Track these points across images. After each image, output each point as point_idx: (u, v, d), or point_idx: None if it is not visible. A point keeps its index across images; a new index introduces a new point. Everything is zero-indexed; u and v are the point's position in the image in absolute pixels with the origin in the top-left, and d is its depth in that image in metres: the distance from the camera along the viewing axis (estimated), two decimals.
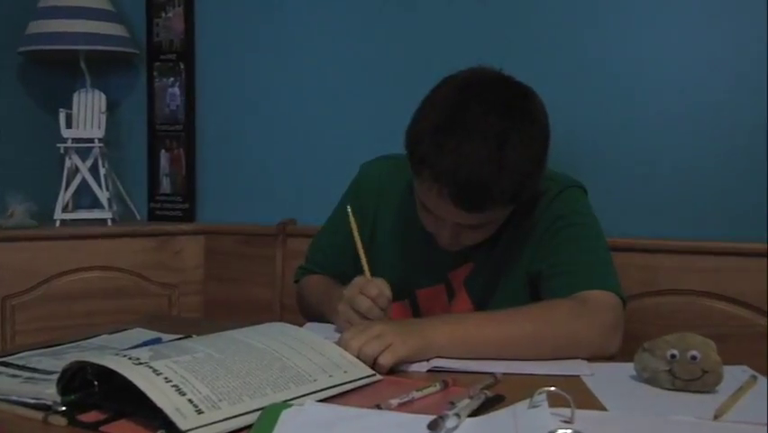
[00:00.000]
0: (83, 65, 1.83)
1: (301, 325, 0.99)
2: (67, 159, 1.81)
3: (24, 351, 0.86)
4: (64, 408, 0.65)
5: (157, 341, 0.91)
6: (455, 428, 0.61)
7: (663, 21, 1.44)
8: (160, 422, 0.60)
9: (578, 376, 0.81)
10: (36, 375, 0.75)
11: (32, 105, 1.91)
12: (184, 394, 0.62)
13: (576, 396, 0.64)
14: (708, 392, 0.75)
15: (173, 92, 1.89)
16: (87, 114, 1.84)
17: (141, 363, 0.65)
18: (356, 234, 1.00)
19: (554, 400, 0.63)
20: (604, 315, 0.93)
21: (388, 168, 1.18)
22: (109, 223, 1.81)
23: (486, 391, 0.71)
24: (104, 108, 1.84)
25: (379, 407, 0.67)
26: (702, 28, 1.41)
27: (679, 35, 1.43)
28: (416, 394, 0.71)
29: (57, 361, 0.78)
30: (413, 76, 1.42)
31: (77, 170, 1.83)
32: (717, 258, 1.32)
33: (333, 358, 0.78)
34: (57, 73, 1.95)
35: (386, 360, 0.80)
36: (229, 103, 1.86)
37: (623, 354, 0.90)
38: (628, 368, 0.81)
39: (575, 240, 1.02)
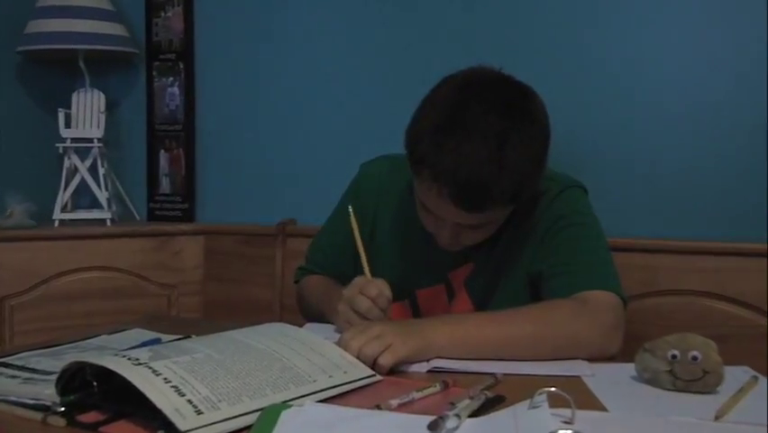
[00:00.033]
0: (82, 64, 1.82)
1: (301, 325, 0.99)
2: (66, 159, 1.81)
3: (23, 351, 0.86)
4: (63, 408, 0.65)
5: (156, 341, 0.91)
6: (455, 428, 0.61)
7: (664, 21, 1.44)
8: (159, 423, 0.60)
9: (578, 377, 0.81)
10: (35, 376, 0.75)
11: (30, 105, 1.91)
12: (183, 395, 0.62)
13: (577, 397, 0.64)
14: (709, 393, 0.74)
15: (172, 92, 1.88)
16: (86, 113, 1.83)
17: (140, 364, 0.65)
18: (357, 234, 1.00)
19: (555, 401, 0.63)
20: (604, 315, 0.93)
21: (388, 167, 1.17)
22: (108, 223, 1.81)
23: (486, 392, 0.70)
24: (103, 108, 1.84)
25: (379, 407, 0.66)
26: (702, 28, 1.41)
27: (679, 35, 1.43)
28: (416, 395, 0.70)
29: (56, 361, 0.78)
30: (413, 76, 1.42)
31: (76, 170, 1.83)
32: (717, 258, 1.32)
33: (332, 359, 0.78)
34: (56, 73, 1.95)
35: (386, 360, 0.80)
36: (228, 103, 1.86)
37: (624, 355, 0.90)
38: (629, 369, 0.81)
39: (576, 240, 1.02)
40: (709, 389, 0.75)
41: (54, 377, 0.68)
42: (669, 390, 0.76)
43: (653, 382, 0.77)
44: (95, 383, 0.67)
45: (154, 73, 1.90)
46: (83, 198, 1.91)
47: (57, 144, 1.80)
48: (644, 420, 0.66)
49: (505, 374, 0.78)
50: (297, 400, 0.67)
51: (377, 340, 0.81)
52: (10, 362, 0.80)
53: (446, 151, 0.91)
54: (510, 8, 1.55)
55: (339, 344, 0.82)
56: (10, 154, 1.83)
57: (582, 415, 0.64)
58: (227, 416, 0.62)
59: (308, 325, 1.08)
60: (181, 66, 1.87)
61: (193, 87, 1.88)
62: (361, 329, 0.83)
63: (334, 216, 1.23)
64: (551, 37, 1.51)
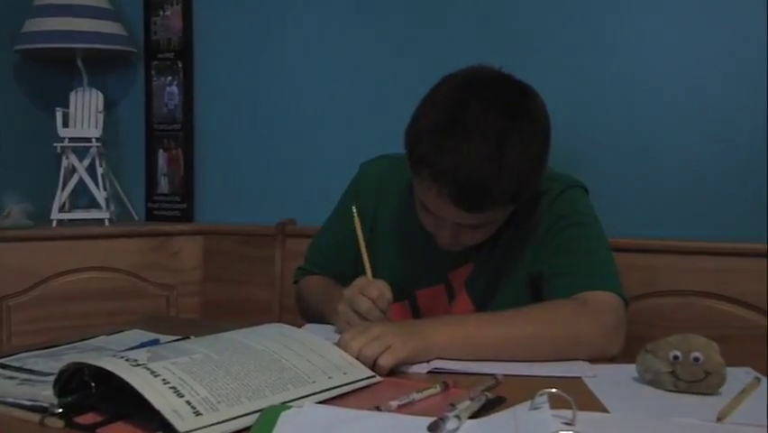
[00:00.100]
0: (80, 63, 1.82)
1: (300, 326, 0.99)
2: (64, 158, 1.81)
3: (21, 352, 0.86)
4: (61, 410, 0.65)
5: (155, 342, 0.91)
6: (456, 429, 0.60)
7: (665, 20, 1.43)
8: (157, 424, 0.59)
9: (579, 378, 0.81)
10: (33, 377, 0.74)
11: (28, 105, 1.90)
12: (182, 396, 0.61)
13: (578, 398, 0.63)
14: (711, 394, 0.74)
15: (171, 91, 1.88)
16: (84, 113, 1.83)
17: (138, 365, 0.65)
18: (360, 234, 1.00)
19: (556, 402, 0.63)
20: (606, 316, 0.92)
21: (388, 167, 1.17)
22: (106, 223, 1.80)
23: (487, 393, 0.70)
24: (101, 107, 1.84)
25: (378, 408, 0.66)
26: (704, 27, 1.41)
27: (681, 35, 1.43)
28: (417, 396, 0.70)
29: (54, 362, 0.78)
30: (413, 76, 1.41)
31: (74, 169, 1.82)
32: (719, 258, 1.32)
33: (332, 360, 0.77)
34: (53, 72, 1.94)
35: (386, 361, 0.79)
36: (227, 102, 1.85)
37: (625, 356, 0.90)
38: (630, 369, 0.81)
39: (577, 240, 1.02)
40: (711, 390, 0.74)
41: (52, 378, 0.67)
42: (670, 391, 0.76)
43: (654, 383, 0.77)
44: (93, 384, 0.66)
45: (153, 72, 1.89)
46: (81, 197, 1.91)
47: (55, 144, 1.79)
48: (646, 422, 0.66)
49: (505, 375, 0.78)
50: (296, 402, 0.67)
51: (377, 341, 0.81)
52: (7, 363, 0.80)
53: (446, 150, 0.91)
54: (510, 7, 1.54)
55: (339, 344, 0.82)
56: (7, 154, 1.83)
57: (583, 416, 0.63)
58: (226, 417, 0.61)
59: (308, 325, 1.07)
60: (180, 65, 1.86)
61: (192, 87, 1.88)
62: (361, 330, 0.83)
63: (334, 216, 1.23)
64: (551, 36, 1.51)
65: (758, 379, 0.78)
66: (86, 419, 0.64)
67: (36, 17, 1.75)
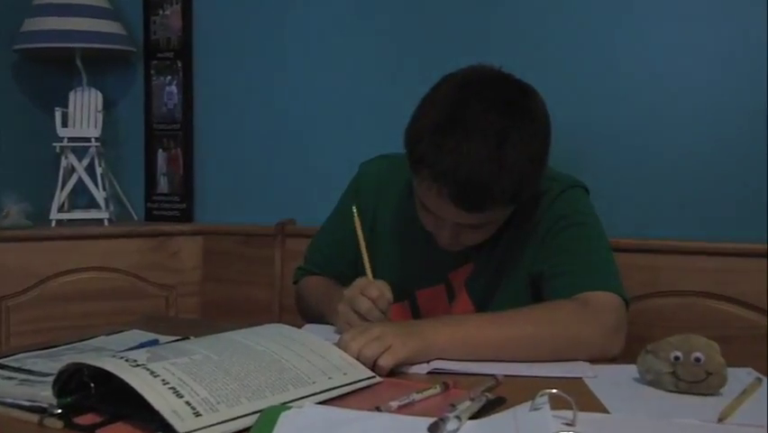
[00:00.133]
0: (79, 63, 1.82)
1: (300, 326, 0.98)
2: (63, 158, 1.81)
3: (20, 353, 0.85)
4: (60, 410, 0.65)
5: (154, 343, 0.90)
6: (456, 430, 0.60)
7: (665, 20, 1.43)
8: (157, 425, 0.59)
9: (580, 378, 0.80)
10: (32, 377, 0.74)
11: (27, 104, 1.90)
12: (181, 396, 0.61)
13: (578, 398, 0.63)
14: (712, 395, 0.74)
15: (170, 90, 1.88)
16: (84, 112, 1.83)
17: (138, 365, 0.65)
18: (360, 234, 0.99)
19: (556, 403, 0.63)
20: (606, 316, 0.92)
21: (388, 167, 1.17)
22: (106, 223, 1.80)
23: (487, 394, 0.70)
24: (100, 107, 1.83)
25: (378, 409, 0.66)
26: (704, 28, 1.41)
27: (681, 35, 1.42)
28: (417, 396, 0.70)
29: (53, 363, 0.78)
30: (413, 76, 1.42)
31: (73, 169, 1.82)
32: (720, 259, 1.32)
33: (332, 360, 0.77)
34: (52, 71, 1.94)
35: (386, 362, 0.79)
36: (227, 101, 1.85)
37: (626, 356, 0.90)
38: (631, 370, 0.80)
39: (577, 240, 1.02)
40: (712, 390, 0.74)
41: (51, 379, 0.67)
42: (671, 391, 0.76)
43: (655, 383, 0.77)
44: (92, 385, 0.66)
45: (152, 72, 1.89)
46: (80, 197, 1.90)
47: (54, 144, 1.79)
48: (647, 422, 0.66)
49: (506, 376, 0.78)
50: (296, 402, 0.67)
51: (377, 341, 0.80)
52: (6, 363, 0.80)
53: (446, 150, 0.91)
54: (511, 6, 1.54)
55: (338, 345, 0.81)
56: (6, 154, 1.83)
57: (584, 417, 0.63)
58: (226, 418, 0.61)
59: (307, 326, 1.07)
60: (179, 64, 1.86)
61: (191, 86, 1.87)
62: (361, 330, 0.83)
63: (334, 215, 1.23)
64: (551, 35, 1.51)
65: (759, 379, 0.77)
66: (86, 419, 0.64)
67: (35, 16, 1.75)
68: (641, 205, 1.45)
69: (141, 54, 1.90)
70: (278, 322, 0.91)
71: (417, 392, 0.71)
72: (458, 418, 0.61)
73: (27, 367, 0.78)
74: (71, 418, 0.64)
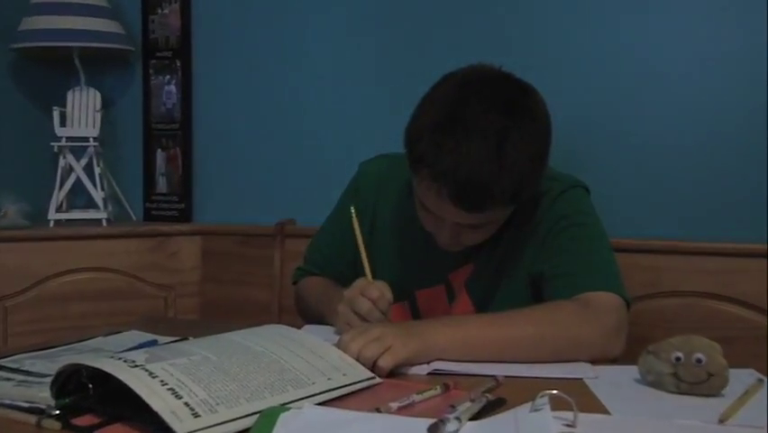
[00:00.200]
0: (77, 62, 1.81)
1: (299, 327, 0.98)
2: (61, 158, 1.80)
3: (18, 353, 0.85)
4: (58, 411, 0.64)
5: (153, 343, 0.90)
6: (456, 431, 0.60)
7: (665, 21, 1.43)
8: (155, 426, 0.59)
9: (581, 379, 0.80)
10: (30, 378, 0.74)
11: (25, 104, 1.89)
12: (180, 397, 0.61)
13: (579, 399, 0.63)
14: (713, 396, 0.74)
15: (169, 90, 1.87)
16: (82, 112, 1.82)
17: (136, 366, 0.64)
18: (359, 235, 0.99)
19: (557, 404, 0.62)
20: (607, 317, 0.92)
21: (387, 166, 1.17)
22: (104, 223, 1.79)
23: (487, 395, 0.70)
24: (98, 106, 1.83)
25: (378, 410, 0.66)
26: (705, 28, 1.41)
27: (681, 36, 1.43)
28: (417, 397, 0.70)
29: (51, 364, 0.77)
30: (413, 76, 1.41)
31: (71, 169, 1.81)
32: (722, 259, 1.32)
33: (331, 361, 0.77)
34: (50, 70, 1.93)
35: (386, 362, 0.79)
36: (226, 101, 1.85)
37: (627, 357, 0.89)
38: (632, 371, 0.80)
39: (578, 240, 1.01)
40: (714, 392, 0.74)
41: (49, 380, 0.67)
42: (673, 392, 0.75)
43: (656, 384, 0.77)
44: (90, 386, 0.66)
45: (150, 71, 1.89)
46: (78, 197, 1.90)
47: (52, 143, 1.79)
48: (648, 423, 0.65)
49: (506, 377, 0.78)
50: (295, 403, 0.66)
51: (376, 342, 0.80)
52: (4, 364, 0.79)
53: (446, 150, 0.90)
54: (511, 6, 1.54)
55: (338, 345, 0.81)
56: (4, 153, 1.82)
57: (584, 418, 0.63)
58: (225, 419, 0.61)
59: (307, 327, 1.07)
60: (178, 64, 1.86)
61: (190, 86, 1.87)
62: (361, 331, 0.83)
63: (333, 215, 1.22)
64: (552, 35, 1.51)
65: (761, 381, 0.77)
66: (84, 420, 0.63)
67: (33, 15, 1.75)
68: (641, 205, 1.45)
69: (139, 53, 1.90)
70: (278, 323, 0.91)
71: (417, 393, 0.70)
72: (458, 419, 0.61)
73: (25, 368, 0.77)
74: (69, 419, 0.63)
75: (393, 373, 0.80)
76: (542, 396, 0.63)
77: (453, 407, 0.64)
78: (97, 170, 1.81)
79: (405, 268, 1.11)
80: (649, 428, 0.64)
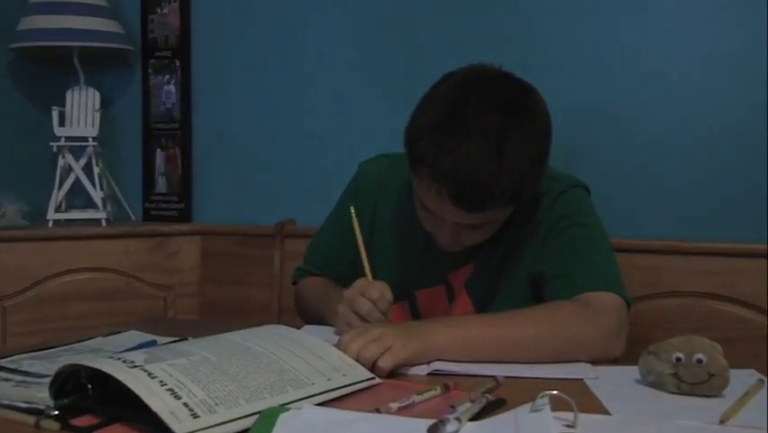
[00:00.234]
0: (76, 62, 1.81)
1: (299, 327, 0.98)
2: (60, 158, 1.80)
3: (17, 354, 0.85)
4: (57, 412, 0.64)
5: (152, 344, 0.90)
6: (456, 432, 0.60)
7: (666, 21, 1.43)
8: (154, 426, 0.59)
9: (581, 379, 0.80)
10: (28, 379, 0.74)
11: (24, 103, 1.89)
12: (179, 398, 0.61)
13: (579, 400, 0.63)
14: (714, 396, 0.74)
15: (168, 90, 1.87)
16: (81, 112, 1.82)
17: (135, 367, 0.64)
18: (359, 235, 0.99)
19: (557, 404, 0.62)
20: (608, 317, 0.92)
21: (387, 165, 1.17)
22: (103, 223, 1.79)
23: (487, 395, 0.70)
24: (98, 106, 1.83)
25: (378, 411, 0.66)
26: (705, 29, 1.41)
27: (682, 36, 1.42)
28: (417, 398, 0.70)
29: (50, 364, 0.77)
30: (413, 76, 1.41)
31: (70, 169, 1.81)
32: (722, 259, 1.32)
33: (331, 361, 0.77)
34: (49, 70, 1.93)
35: (385, 363, 0.79)
36: (226, 101, 1.84)
37: (627, 358, 0.89)
38: (633, 371, 0.80)
39: (578, 240, 1.01)
40: (715, 392, 0.74)
41: (48, 380, 0.67)
42: (673, 393, 0.75)
43: (657, 385, 0.77)
44: (89, 386, 0.66)
45: (150, 71, 1.88)
46: (77, 197, 1.90)
47: (51, 143, 1.78)
48: (648, 424, 0.65)
49: (506, 377, 0.78)
50: (294, 404, 0.66)
51: (376, 342, 0.80)
52: (3, 364, 0.79)
53: (446, 150, 0.90)
54: (511, 6, 1.54)
55: (338, 346, 0.81)
56: (3, 153, 1.82)
57: (585, 418, 0.63)
58: (224, 419, 0.61)
59: (307, 327, 1.07)
60: (177, 63, 1.85)
61: (189, 85, 1.87)
62: (361, 331, 0.83)
63: (333, 215, 1.22)
64: (552, 35, 1.51)
65: (762, 381, 0.77)
66: (83, 421, 0.63)
67: (32, 15, 1.74)
68: (641, 205, 1.45)
69: (138, 53, 1.90)
70: (277, 323, 0.91)
71: (417, 394, 0.70)
72: (458, 419, 0.61)
73: (24, 369, 0.77)
74: (68, 419, 0.63)
75: (393, 374, 0.80)
76: (542, 396, 0.62)
77: (453, 407, 0.63)
78: (96, 170, 1.81)
79: (405, 268, 1.11)
80: (649, 428, 0.64)
